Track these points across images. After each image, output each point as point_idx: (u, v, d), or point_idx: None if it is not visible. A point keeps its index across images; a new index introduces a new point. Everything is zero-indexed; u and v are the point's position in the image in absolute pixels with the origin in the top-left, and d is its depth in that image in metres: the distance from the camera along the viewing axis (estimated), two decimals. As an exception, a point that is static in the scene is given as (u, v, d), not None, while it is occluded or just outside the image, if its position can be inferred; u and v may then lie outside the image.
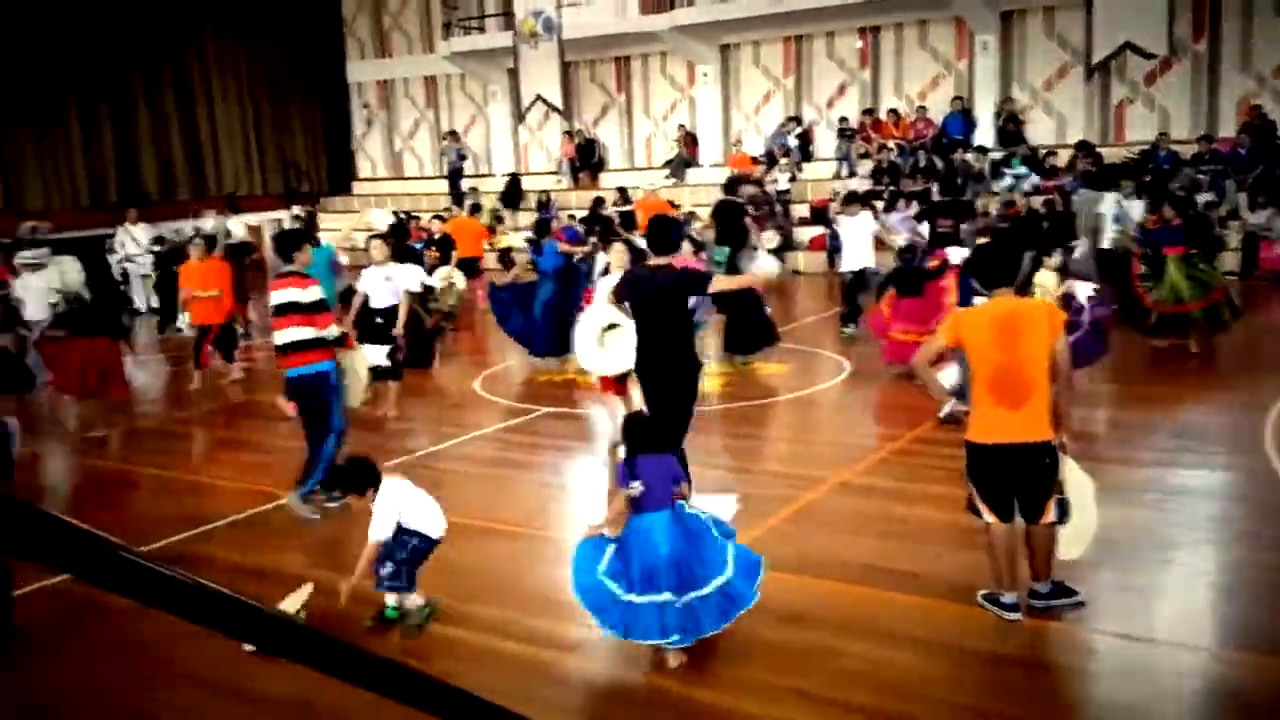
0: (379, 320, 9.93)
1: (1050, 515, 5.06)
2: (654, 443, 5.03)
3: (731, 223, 11.87)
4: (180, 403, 11.31)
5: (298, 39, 26.51)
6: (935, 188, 18.59)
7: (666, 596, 4.66)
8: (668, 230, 6.83)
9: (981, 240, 9.50)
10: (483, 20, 25.29)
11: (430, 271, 12.79)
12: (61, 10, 21.26)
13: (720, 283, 7.30)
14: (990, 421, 5.01)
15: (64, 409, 10.23)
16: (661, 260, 6.65)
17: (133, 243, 18.82)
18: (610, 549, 4.87)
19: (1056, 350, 4.98)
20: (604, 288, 7.86)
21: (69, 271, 13.67)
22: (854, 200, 13.31)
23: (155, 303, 17.75)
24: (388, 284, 10.06)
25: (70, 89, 22.12)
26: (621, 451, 5.20)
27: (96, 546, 1.29)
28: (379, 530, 5.13)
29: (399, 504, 5.21)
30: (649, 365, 6.63)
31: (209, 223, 19.46)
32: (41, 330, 10.74)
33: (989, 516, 5.10)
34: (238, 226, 20.36)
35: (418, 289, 11.06)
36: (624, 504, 4.87)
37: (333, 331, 7.25)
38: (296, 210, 24.26)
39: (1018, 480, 5.03)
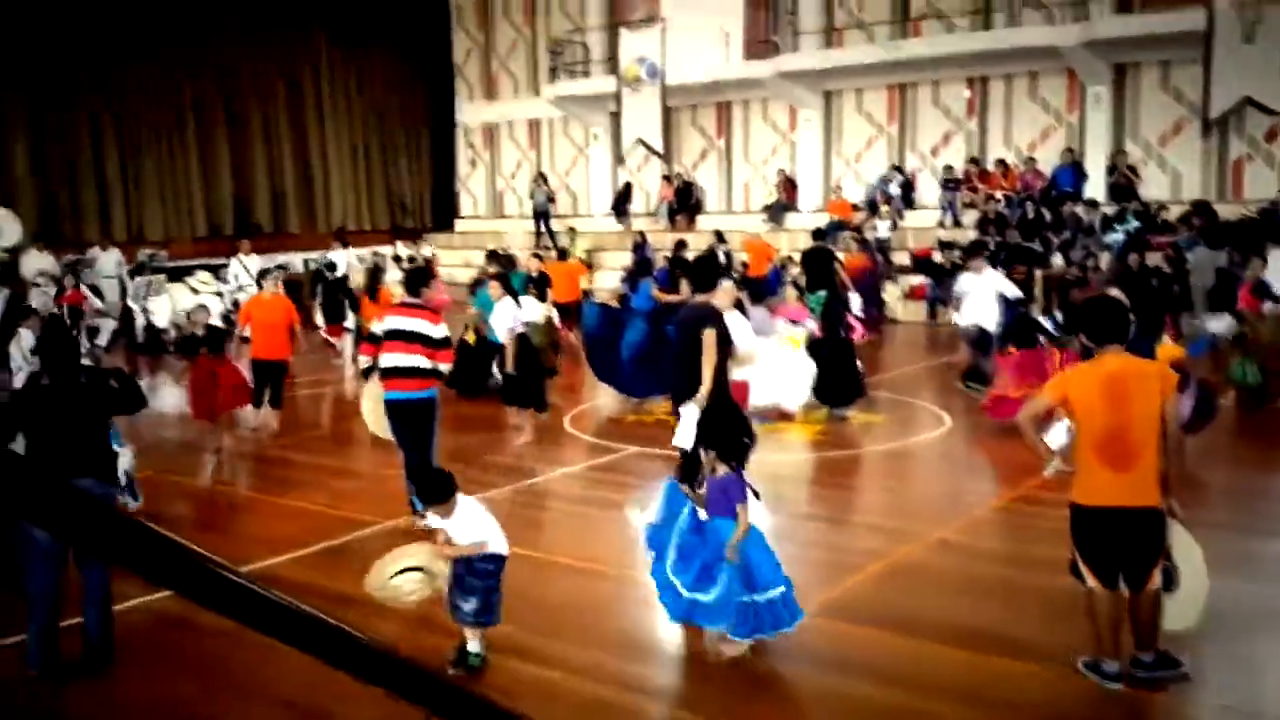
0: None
1: (1155, 582, 4.86)
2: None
3: (820, 268, 11.76)
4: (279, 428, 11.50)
5: (410, 82, 27.35)
6: (1016, 235, 18.03)
7: (769, 594, 5.18)
8: (706, 270, 7.57)
9: (1112, 290, 9.21)
10: (587, 65, 25.71)
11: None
12: (190, 52, 22.30)
13: (708, 350, 6.94)
14: (1096, 484, 4.84)
15: (213, 430, 10.40)
16: (701, 298, 7.31)
17: (245, 272, 19.46)
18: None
19: (1167, 412, 4.80)
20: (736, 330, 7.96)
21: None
22: (977, 253, 13.00)
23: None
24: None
25: (194, 129, 23.15)
26: (720, 470, 5.41)
27: (205, 568, 1.32)
28: (477, 534, 5.17)
29: (479, 514, 5.27)
30: (675, 389, 7.28)
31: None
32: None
33: (1092, 581, 4.91)
34: (344, 260, 20.82)
35: (530, 320, 11.11)
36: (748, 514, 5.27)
37: (446, 367, 7.52)
38: (402, 247, 24.59)
39: (1123, 545, 4.84)
